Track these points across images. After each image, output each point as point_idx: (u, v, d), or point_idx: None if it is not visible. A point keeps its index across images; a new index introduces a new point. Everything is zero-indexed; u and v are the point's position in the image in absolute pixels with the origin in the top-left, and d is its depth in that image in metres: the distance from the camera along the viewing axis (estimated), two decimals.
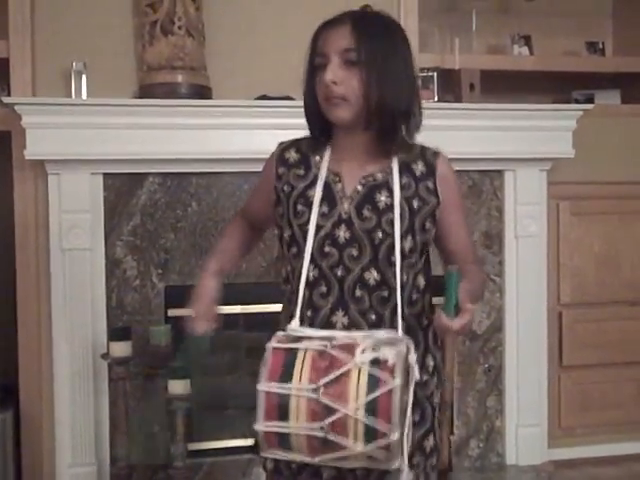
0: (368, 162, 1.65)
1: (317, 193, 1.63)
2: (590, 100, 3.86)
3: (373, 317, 1.60)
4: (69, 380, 3.15)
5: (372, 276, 1.60)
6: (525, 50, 3.82)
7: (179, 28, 3.14)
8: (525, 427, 3.62)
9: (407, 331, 1.60)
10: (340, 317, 1.61)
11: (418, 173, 1.65)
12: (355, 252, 1.61)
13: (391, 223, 1.59)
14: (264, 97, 3.14)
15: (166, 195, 3.25)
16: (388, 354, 1.46)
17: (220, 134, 3.15)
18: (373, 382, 1.43)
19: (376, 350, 1.47)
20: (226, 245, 1.88)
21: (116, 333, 3.04)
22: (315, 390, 1.44)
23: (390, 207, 1.60)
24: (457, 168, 3.45)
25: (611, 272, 3.79)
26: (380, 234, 1.59)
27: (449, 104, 3.49)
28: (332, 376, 1.45)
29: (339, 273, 1.61)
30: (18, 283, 3.22)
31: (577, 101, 3.89)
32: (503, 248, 3.59)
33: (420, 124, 1.66)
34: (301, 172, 1.69)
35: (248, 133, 3.11)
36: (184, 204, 3.27)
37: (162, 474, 3.14)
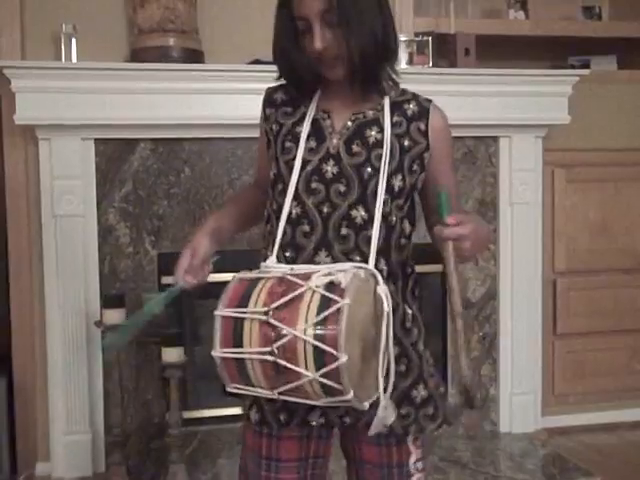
0: (359, 101, 1.63)
1: (305, 128, 1.61)
2: (586, 66, 3.83)
3: (358, 258, 1.55)
4: (62, 348, 3.13)
5: (359, 214, 1.56)
6: (521, 14, 3.77)
7: None
8: (519, 395, 3.62)
9: (390, 277, 1.58)
10: (323, 257, 1.56)
11: (410, 113, 1.63)
12: (342, 188, 1.57)
13: (381, 158, 1.57)
14: (257, 61, 3.10)
15: (158, 161, 3.21)
16: (342, 277, 1.42)
17: (213, 99, 3.11)
18: (324, 303, 1.40)
19: (332, 275, 1.44)
20: (231, 207, 1.84)
21: (109, 300, 3.01)
22: (266, 313, 1.41)
23: (380, 142, 1.58)
24: (452, 134, 3.45)
25: (606, 240, 3.79)
26: (369, 169, 1.57)
27: (444, 69, 3.45)
28: (285, 299, 1.42)
29: (325, 210, 1.57)
30: (10, 250, 3.18)
31: (573, 66, 3.86)
32: (498, 215, 3.57)
33: (397, 54, 1.64)
34: (289, 109, 1.67)
35: (241, 98, 3.06)
36: (176, 170, 3.23)
37: (157, 442, 3.14)
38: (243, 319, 1.44)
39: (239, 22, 3.28)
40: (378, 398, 1.48)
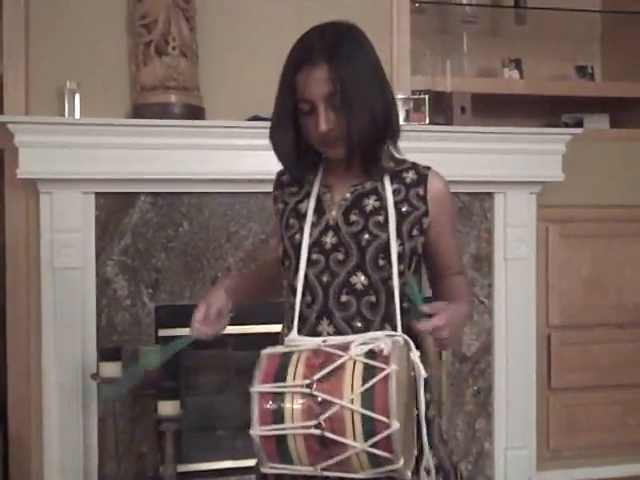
0: (358, 175, 1.67)
1: (310, 204, 1.66)
2: (579, 124, 3.90)
3: (359, 325, 1.58)
4: (58, 400, 3.13)
5: (359, 280, 1.59)
6: (515, 73, 3.86)
7: (173, 48, 3.15)
8: (514, 449, 3.62)
9: None
10: (325, 326, 1.60)
11: (409, 180, 1.67)
12: (341, 256, 1.61)
13: (378, 225, 1.61)
14: (256, 118, 3.15)
15: (158, 215, 3.25)
16: (383, 344, 1.43)
17: (212, 154, 3.16)
18: (368, 372, 1.39)
19: (371, 343, 1.45)
20: (249, 273, 1.90)
21: (106, 353, 3.02)
22: (309, 385, 1.40)
23: (378, 210, 1.62)
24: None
25: (599, 295, 3.82)
26: (367, 235, 1.60)
27: (440, 127, 3.51)
28: (326, 370, 1.40)
29: (325, 279, 1.61)
30: (8, 302, 3.20)
31: (566, 125, 3.93)
32: (492, 270, 3.60)
33: (399, 133, 1.68)
34: (294, 189, 1.73)
35: (240, 154, 3.12)
36: (175, 224, 3.26)
37: None
38: (283, 394, 1.42)
39: (239, 79, 3.34)
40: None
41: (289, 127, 1.62)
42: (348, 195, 1.66)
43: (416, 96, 3.52)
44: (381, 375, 1.38)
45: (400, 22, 3.54)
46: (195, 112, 3.22)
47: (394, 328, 1.59)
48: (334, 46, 1.56)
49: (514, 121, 3.72)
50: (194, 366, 3.39)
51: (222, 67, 3.36)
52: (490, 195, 3.59)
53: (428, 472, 1.51)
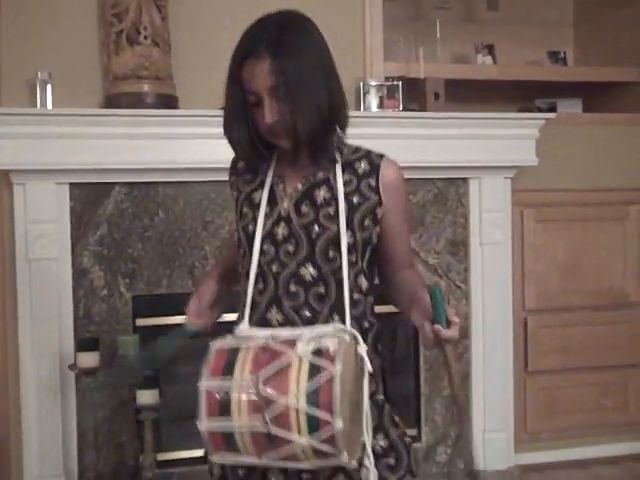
0: (310, 163, 1.68)
1: (264, 195, 1.68)
2: (552, 109, 3.92)
3: (307, 314, 1.60)
4: (36, 391, 3.13)
5: (308, 272, 1.62)
6: (489, 59, 3.88)
7: (145, 38, 3.15)
8: (491, 432, 3.66)
9: None
10: (274, 314, 1.62)
11: (361, 171, 1.68)
12: (291, 248, 1.63)
13: (328, 217, 1.62)
14: None
15: (133, 205, 3.24)
16: (329, 343, 1.46)
17: (186, 143, 3.16)
18: (314, 371, 1.42)
19: (318, 341, 1.47)
20: (227, 261, 1.93)
21: (84, 343, 3.02)
22: (255, 383, 1.43)
23: (328, 201, 1.63)
24: (422, 176, 3.52)
25: (575, 278, 3.85)
26: (317, 228, 1.62)
27: (414, 113, 3.53)
28: (273, 368, 1.44)
29: (274, 269, 1.64)
30: None
31: (540, 109, 3.96)
32: (468, 255, 3.63)
33: (348, 118, 1.68)
34: (249, 177, 1.75)
35: (214, 142, 3.05)
36: (151, 213, 3.26)
37: None
38: (230, 389, 1.45)
39: (213, 68, 3.29)
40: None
41: (242, 118, 1.64)
42: (299, 186, 1.67)
43: (389, 83, 3.53)
44: (326, 374, 1.41)
45: (373, 9, 3.55)
46: (168, 101, 3.22)
47: (343, 319, 1.60)
48: (278, 38, 1.57)
49: (488, 106, 3.74)
50: (172, 355, 3.38)
51: (195, 56, 3.36)
52: (465, 180, 3.61)
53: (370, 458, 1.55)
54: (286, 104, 1.57)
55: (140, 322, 3.25)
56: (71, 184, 3.16)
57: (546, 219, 3.80)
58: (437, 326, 1.44)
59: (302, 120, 1.57)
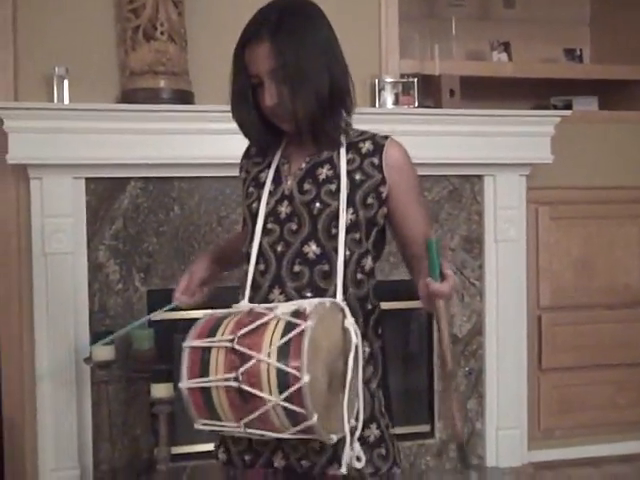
0: (315, 146, 1.69)
1: (269, 174, 1.70)
2: (568, 106, 3.91)
3: (310, 295, 1.60)
4: (51, 384, 3.15)
5: (311, 250, 1.62)
6: (504, 56, 3.87)
7: (161, 33, 3.16)
8: (505, 429, 3.65)
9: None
10: (277, 295, 1.62)
11: (364, 150, 1.68)
12: (294, 226, 1.64)
13: (330, 194, 1.63)
14: None
15: (148, 199, 3.26)
16: (307, 304, 1.48)
17: (202, 139, 3.17)
18: (288, 328, 1.44)
19: (299, 304, 1.50)
20: (227, 243, 2.00)
21: (99, 337, 3.03)
22: (232, 340, 1.46)
23: (330, 179, 1.64)
24: (437, 173, 3.52)
25: (589, 276, 3.84)
26: (318, 204, 1.63)
27: (429, 110, 3.53)
28: (251, 327, 1.47)
29: (279, 249, 1.64)
30: (0, 287, 3.21)
31: (555, 107, 3.95)
32: (483, 252, 3.63)
33: (354, 103, 1.69)
34: (259, 159, 1.78)
35: (230, 138, 3.07)
36: (166, 208, 3.28)
37: (146, 477, 3.15)
38: (210, 348, 1.49)
39: (228, 64, 3.32)
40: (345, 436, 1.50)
41: (247, 101, 1.66)
42: (304, 165, 1.69)
43: (405, 80, 3.53)
44: (297, 330, 1.43)
45: (388, 6, 3.56)
46: (184, 97, 3.23)
47: (347, 299, 1.60)
48: (277, 22, 1.60)
49: (503, 104, 3.73)
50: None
51: (211, 52, 3.36)
52: (480, 177, 3.60)
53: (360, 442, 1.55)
54: (286, 87, 1.59)
55: (155, 317, 3.25)
56: (87, 179, 3.18)
57: (561, 217, 3.79)
58: (429, 279, 1.43)
59: (301, 104, 1.59)
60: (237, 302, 1.72)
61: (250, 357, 1.43)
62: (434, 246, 1.44)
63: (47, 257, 3.14)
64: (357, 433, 1.53)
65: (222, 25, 3.39)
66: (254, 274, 1.66)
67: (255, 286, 1.66)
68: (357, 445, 1.53)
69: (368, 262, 1.68)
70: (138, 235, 3.26)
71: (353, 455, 1.52)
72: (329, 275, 1.61)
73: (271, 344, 1.43)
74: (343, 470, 1.51)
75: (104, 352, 2.99)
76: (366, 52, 3.47)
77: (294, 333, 1.42)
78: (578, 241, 3.83)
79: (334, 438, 1.48)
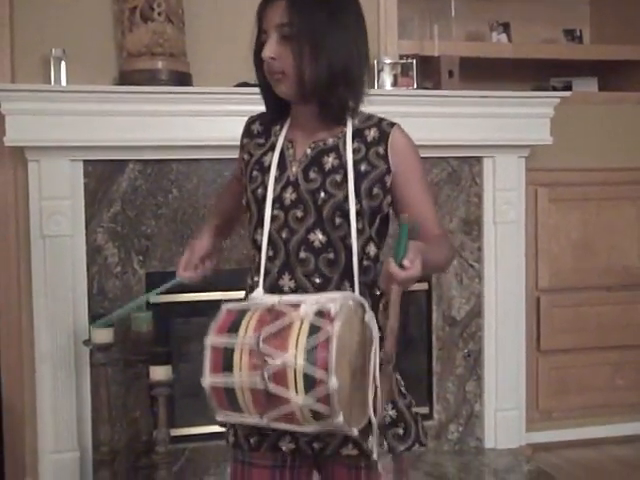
0: (321, 129, 1.68)
1: (274, 159, 1.68)
2: (568, 87, 3.90)
3: (318, 280, 1.60)
4: (51, 367, 3.15)
5: (317, 238, 1.61)
6: (504, 37, 3.84)
7: (159, 14, 3.14)
8: (503, 411, 3.67)
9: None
10: (287, 281, 1.62)
11: (370, 139, 1.66)
12: (300, 213, 1.63)
13: (335, 184, 1.61)
14: (244, 84, 3.14)
15: (147, 182, 3.25)
16: (331, 305, 1.47)
17: (200, 121, 3.16)
18: (313, 330, 1.44)
19: (322, 304, 1.49)
20: (221, 211, 1.97)
21: (97, 319, 3.03)
22: (256, 340, 1.45)
23: (336, 169, 1.63)
24: (436, 155, 3.52)
25: (588, 258, 3.85)
26: (323, 194, 1.61)
27: (428, 91, 3.52)
28: (274, 327, 1.46)
29: (284, 235, 1.63)
30: None
31: (555, 88, 3.93)
32: (482, 234, 3.62)
33: (364, 91, 1.67)
34: (261, 141, 1.74)
35: (228, 120, 3.08)
36: (165, 191, 3.27)
37: (145, 459, 3.15)
38: (233, 347, 1.48)
39: (227, 45, 3.32)
40: (368, 423, 1.51)
41: (257, 61, 1.66)
42: (309, 151, 1.67)
43: (404, 61, 3.51)
44: (324, 333, 1.43)
45: None
46: (182, 78, 3.22)
47: (353, 285, 1.61)
48: None
49: (502, 85, 3.72)
50: (185, 332, 3.40)
51: (209, 34, 3.35)
52: (479, 159, 3.59)
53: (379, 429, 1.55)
54: (291, 46, 1.57)
55: (153, 299, 3.25)
56: (85, 161, 3.17)
57: (560, 198, 3.79)
58: (390, 259, 1.43)
59: (310, 69, 1.57)
60: (240, 285, 1.73)
61: (276, 359, 1.43)
62: (406, 230, 1.44)
63: (45, 240, 3.13)
64: (379, 416, 1.53)
65: (220, 7, 3.38)
66: (265, 260, 1.65)
67: (265, 271, 1.65)
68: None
69: (372, 248, 1.67)
70: (137, 217, 3.25)
71: (374, 442, 1.53)
72: (334, 263, 1.62)
73: (297, 347, 1.43)
74: (374, 456, 1.52)
75: (103, 335, 2.98)
76: None
77: (320, 337, 1.43)
78: (577, 223, 3.83)
79: (356, 431, 1.50)
